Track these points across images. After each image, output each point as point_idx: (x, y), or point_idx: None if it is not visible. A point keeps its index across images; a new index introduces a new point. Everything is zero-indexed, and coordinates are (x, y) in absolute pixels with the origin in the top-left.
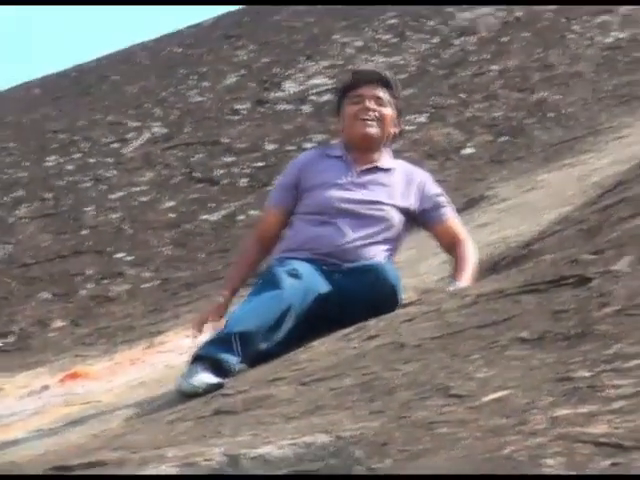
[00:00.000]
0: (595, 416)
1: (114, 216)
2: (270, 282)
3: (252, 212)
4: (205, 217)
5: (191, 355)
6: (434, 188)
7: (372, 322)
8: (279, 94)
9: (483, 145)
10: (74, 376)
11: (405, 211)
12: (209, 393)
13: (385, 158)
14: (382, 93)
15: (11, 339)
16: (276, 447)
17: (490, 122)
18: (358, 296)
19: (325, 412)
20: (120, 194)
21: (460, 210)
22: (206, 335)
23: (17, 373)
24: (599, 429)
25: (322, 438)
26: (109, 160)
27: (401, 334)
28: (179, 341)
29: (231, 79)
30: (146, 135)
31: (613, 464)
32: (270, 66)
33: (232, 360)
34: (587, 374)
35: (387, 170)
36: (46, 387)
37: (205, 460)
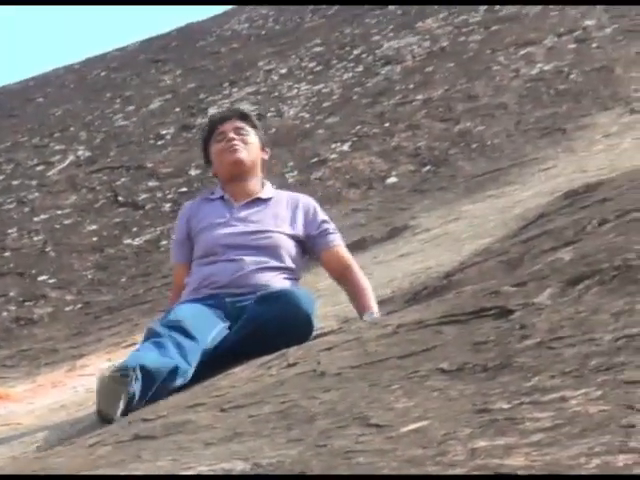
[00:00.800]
0: (513, 448)
1: (37, 238)
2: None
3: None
4: (128, 241)
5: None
6: (320, 214)
7: (291, 350)
8: (204, 120)
9: (406, 174)
10: None
11: (295, 238)
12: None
13: (265, 188)
14: (241, 124)
15: None
16: (195, 473)
17: (414, 152)
18: (271, 322)
19: (244, 439)
20: (44, 217)
21: (383, 239)
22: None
23: None
24: (517, 461)
25: (240, 465)
26: (33, 182)
27: (320, 362)
28: (101, 364)
29: (156, 103)
30: (70, 158)
31: None
32: (196, 91)
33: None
34: (505, 406)
35: (268, 200)
36: None
37: None
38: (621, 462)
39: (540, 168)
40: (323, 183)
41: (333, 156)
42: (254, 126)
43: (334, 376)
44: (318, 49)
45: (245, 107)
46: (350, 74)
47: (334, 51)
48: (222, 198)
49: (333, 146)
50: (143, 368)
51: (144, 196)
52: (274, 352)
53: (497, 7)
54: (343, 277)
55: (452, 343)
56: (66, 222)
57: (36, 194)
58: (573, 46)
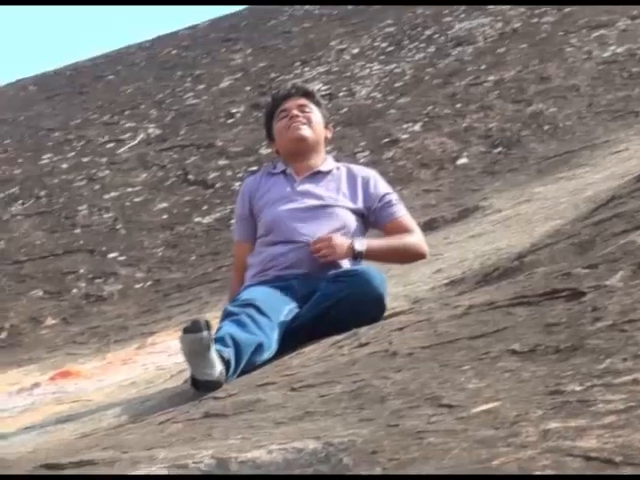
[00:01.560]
0: (585, 430)
1: (107, 216)
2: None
3: None
4: (198, 219)
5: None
6: (381, 186)
7: (363, 330)
8: None
9: (477, 156)
10: (65, 374)
11: (356, 212)
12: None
13: (326, 162)
14: (305, 102)
15: (2, 335)
16: (266, 452)
17: (485, 133)
18: (344, 301)
19: (315, 418)
20: (114, 194)
21: (453, 220)
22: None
23: (8, 369)
24: (589, 443)
25: (311, 444)
26: (103, 160)
27: (392, 342)
28: (170, 342)
29: (227, 82)
30: (141, 136)
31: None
32: (266, 70)
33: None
34: (578, 388)
35: (329, 172)
36: (37, 384)
37: (194, 463)
38: None
39: (611, 151)
40: (394, 163)
41: (404, 136)
42: (317, 103)
43: (406, 356)
44: (390, 29)
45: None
46: (422, 54)
47: (406, 31)
48: (284, 172)
49: (405, 126)
50: (233, 338)
51: (214, 175)
52: (345, 332)
53: None
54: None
55: (523, 324)
56: (136, 200)
57: (106, 171)
58: None
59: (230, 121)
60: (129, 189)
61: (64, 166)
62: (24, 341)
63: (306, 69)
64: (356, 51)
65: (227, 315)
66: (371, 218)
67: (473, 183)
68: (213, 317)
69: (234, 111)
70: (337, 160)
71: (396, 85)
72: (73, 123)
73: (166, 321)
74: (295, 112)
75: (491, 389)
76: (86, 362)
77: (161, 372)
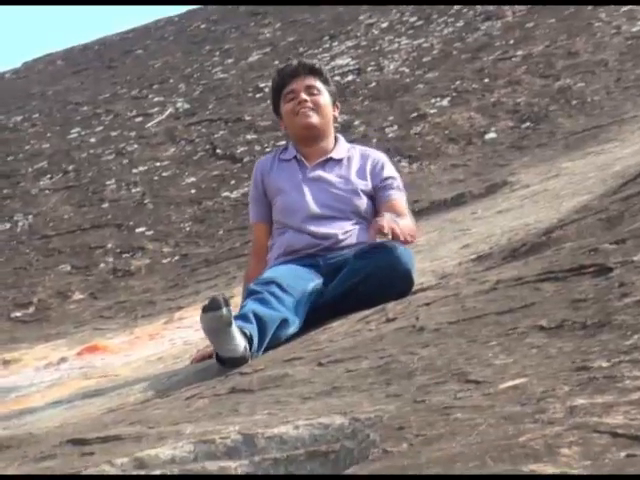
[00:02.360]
0: (612, 407)
1: (135, 190)
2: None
3: None
4: (226, 194)
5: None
6: (387, 169)
7: (390, 305)
8: None
9: (505, 131)
10: (93, 349)
11: (365, 192)
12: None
13: (338, 146)
14: (313, 81)
15: (30, 310)
16: (292, 427)
17: (513, 108)
18: (372, 276)
19: (342, 393)
20: (142, 168)
21: (481, 195)
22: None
23: (35, 344)
24: (616, 420)
25: (338, 419)
26: (131, 134)
27: (419, 318)
28: (198, 317)
29: (255, 57)
30: (169, 110)
31: (629, 455)
32: (295, 45)
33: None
34: (605, 364)
35: (340, 160)
36: (64, 359)
37: (221, 438)
38: None
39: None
40: (422, 138)
41: (432, 111)
42: (325, 81)
43: (432, 332)
44: (419, 4)
45: (343, 60)
46: (450, 29)
47: (435, 5)
48: (295, 158)
49: (432, 101)
50: (255, 314)
51: (242, 149)
52: (373, 307)
53: None
54: None
55: (550, 300)
56: (164, 174)
57: (135, 146)
58: None
59: (258, 95)
60: (157, 163)
61: (92, 140)
62: (52, 316)
63: (335, 43)
64: (385, 25)
65: (250, 294)
66: (373, 196)
67: (501, 158)
68: (240, 292)
69: (262, 85)
70: (347, 136)
71: (424, 60)
72: (101, 97)
73: (194, 296)
74: (303, 96)
75: (518, 365)
76: (113, 337)
77: (188, 347)
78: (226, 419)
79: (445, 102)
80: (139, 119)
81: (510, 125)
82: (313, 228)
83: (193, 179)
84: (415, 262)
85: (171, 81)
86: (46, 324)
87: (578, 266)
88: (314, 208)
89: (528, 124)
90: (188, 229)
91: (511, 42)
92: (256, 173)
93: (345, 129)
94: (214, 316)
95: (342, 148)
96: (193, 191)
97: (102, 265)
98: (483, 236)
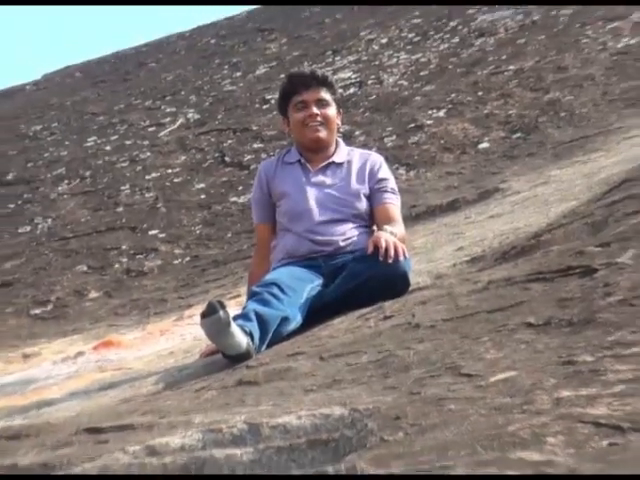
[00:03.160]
0: (595, 398)
1: (148, 195)
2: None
3: None
4: (234, 199)
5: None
6: (383, 171)
7: (388, 303)
8: None
9: (497, 140)
10: (107, 344)
11: (364, 194)
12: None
13: (339, 150)
14: (323, 94)
15: (49, 307)
16: (295, 417)
17: (505, 119)
18: (372, 279)
19: (342, 386)
20: (155, 175)
21: (474, 201)
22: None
23: (54, 339)
24: (599, 411)
25: (338, 410)
26: (145, 142)
27: (415, 315)
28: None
29: (262, 70)
30: (180, 120)
31: (611, 444)
32: (300, 59)
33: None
34: (589, 359)
35: (341, 164)
36: (81, 353)
37: (228, 427)
38: None
39: (624, 136)
40: (419, 147)
41: (429, 122)
42: (334, 92)
43: (428, 328)
44: (417, 21)
45: (345, 74)
46: (446, 45)
47: (432, 23)
48: (299, 162)
49: (429, 112)
50: (256, 313)
51: (249, 157)
52: (372, 306)
53: None
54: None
55: (539, 299)
56: (176, 180)
57: (148, 153)
58: None
59: (265, 107)
60: (169, 170)
61: (108, 148)
62: (69, 313)
63: (337, 58)
64: (384, 41)
65: (252, 295)
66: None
67: (493, 166)
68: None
69: (269, 97)
70: (348, 145)
71: (421, 74)
72: (116, 108)
73: (203, 294)
74: (315, 110)
75: (508, 359)
76: (127, 333)
77: (197, 342)
78: (233, 409)
79: (441, 113)
80: (152, 128)
81: (502, 135)
82: (315, 236)
83: (203, 185)
84: (412, 264)
85: (182, 93)
86: (63, 321)
87: (565, 267)
88: (317, 215)
89: (519, 134)
90: (198, 232)
91: (503, 57)
92: (261, 175)
93: (346, 139)
94: (213, 320)
95: (342, 152)
96: (203, 196)
97: (117, 265)
98: (476, 239)
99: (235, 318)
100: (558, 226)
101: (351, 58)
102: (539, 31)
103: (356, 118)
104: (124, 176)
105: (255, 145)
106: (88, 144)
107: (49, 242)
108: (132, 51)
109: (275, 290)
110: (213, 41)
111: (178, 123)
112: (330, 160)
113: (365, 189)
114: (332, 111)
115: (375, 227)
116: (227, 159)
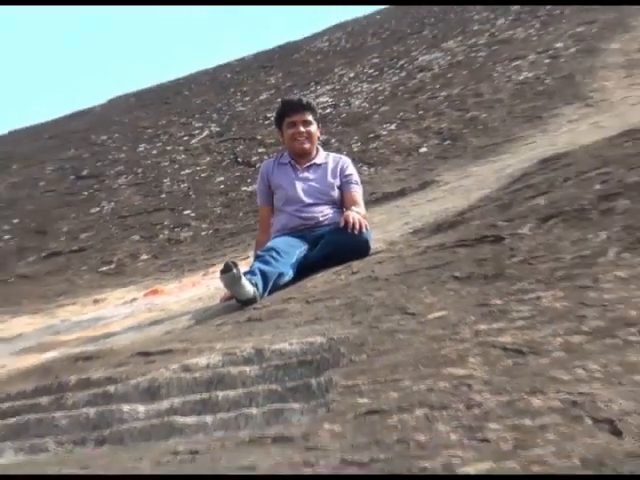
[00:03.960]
0: (504, 330)
1: (183, 186)
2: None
3: None
4: (244, 189)
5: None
6: (349, 169)
7: (355, 263)
8: None
9: (433, 146)
10: (154, 292)
11: (337, 186)
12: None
13: (319, 155)
14: (307, 116)
15: (112, 266)
16: (288, 344)
17: (438, 131)
18: (344, 245)
19: (322, 322)
20: (187, 171)
21: (417, 190)
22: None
23: (115, 289)
24: (506, 339)
25: (319, 339)
26: (180, 148)
27: (374, 271)
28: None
29: (264, 96)
30: (206, 132)
31: (515, 363)
32: (292, 88)
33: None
34: (499, 302)
35: (321, 164)
36: (135, 299)
37: (240, 351)
38: (576, 340)
39: (524, 143)
40: (377, 151)
41: (384, 133)
42: (315, 114)
43: (383, 280)
44: (375, 60)
45: (323, 98)
46: (397, 77)
47: (386, 62)
48: (290, 163)
49: (385, 126)
50: (260, 270)
51: (255, 158)
52: (342, 265)
53: (497, 32)
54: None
55: (463, 259)
56: (203, 175)
57: (182, 156)
58: (548, 61)
59: (267, 122)
60: (197, 168)
61: (154, 152)
62: (126, 270)
63: (318, 87)
64: (352, 75)
65: (256, 257)
66: (340, 187)
67: (430, 164)
68: (251, 254)
69: (269, 115)
70: (325, 149)
71: (379, 98)
72: (160, 123)
73: (222, 257)
74: (301, 129)
75: (441, 303)
76: (168, 284)
77: (218, 291)
78: (244, 339)
79: (393, 127)
80: (185, 138)
81: (436, 142)
82: (302, 214)
83: (222, 178)
84: (372, 235)
85: (207, 112)
86: (122, 276)
87: (481, 236)
88: (303, 200)
89: (448, 142)
90: (219, 212)
91: (437, 86)
92: (262, 171)
93: (324, 145)
94: (228, 275)
95: (321, 155)
96: (222, 187)
97: (161, 236)
98: (418, 217)
99: (245, 273)
100: (476, 207)
101: (328, 87)
102: (462, 68)
103: (332, 130)
104: (165, 172)
105: (260, 150)
106: (140, 149)
107: (112, 219)
108: (171, 83)
109: (274, 253)
110: (229, 75)
111: (204, 134)
112: (312, 162)
113: (337, 182)
114: (314, 128)
115: (345, 208)
116: (239, 160)
